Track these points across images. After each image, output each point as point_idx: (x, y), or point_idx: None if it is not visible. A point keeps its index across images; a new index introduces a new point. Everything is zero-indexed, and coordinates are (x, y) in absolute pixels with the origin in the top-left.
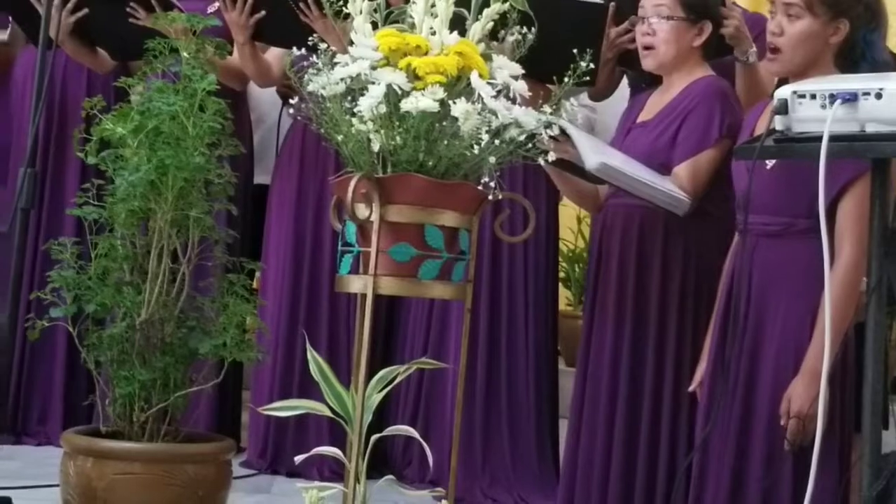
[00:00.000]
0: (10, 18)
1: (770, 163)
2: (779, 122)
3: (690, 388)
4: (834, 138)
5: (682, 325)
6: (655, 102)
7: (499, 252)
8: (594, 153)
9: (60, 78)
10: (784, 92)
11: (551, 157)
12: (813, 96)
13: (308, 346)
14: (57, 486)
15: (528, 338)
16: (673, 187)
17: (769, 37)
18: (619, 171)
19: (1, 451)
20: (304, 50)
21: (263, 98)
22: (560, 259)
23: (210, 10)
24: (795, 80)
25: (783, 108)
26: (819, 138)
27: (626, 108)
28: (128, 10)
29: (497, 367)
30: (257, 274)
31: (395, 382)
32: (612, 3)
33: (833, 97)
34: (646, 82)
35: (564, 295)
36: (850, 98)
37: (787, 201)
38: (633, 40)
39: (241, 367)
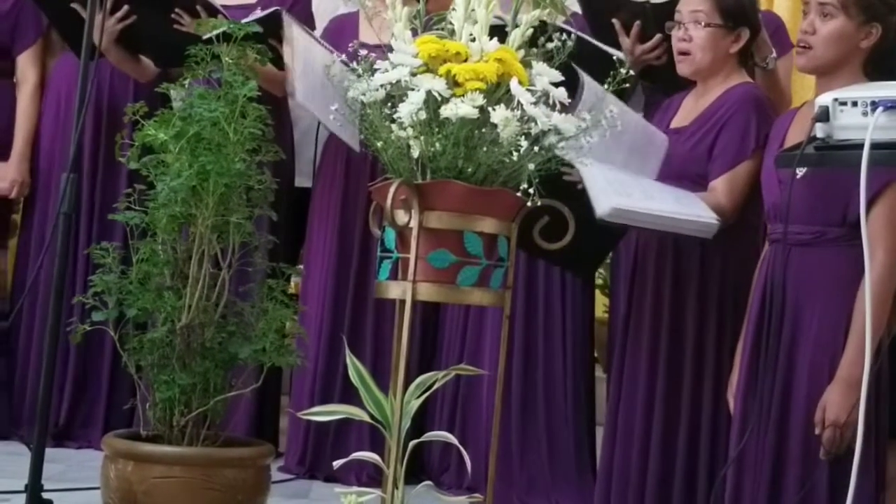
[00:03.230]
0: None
1: (801, 171)
2: (819, 130)
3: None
4: (876, 146)
5: (720, 333)
6: (691, 108)
7: (535, 258)
8: (605, 195)
9: (108, 85)
10: (825, 99)
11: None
12: (854, 104)
13: (348, 351)
14: (97, 489)
15: (564, 344)
16: (701, 210)
17: (801, 35)
18: (635, 211)
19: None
20: (344, 56)
21: None
22: None
23: (251, 17)
24: (822, 79)
25: (824, 116)
26: (860, 146)
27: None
28: (172, 16)
29: (533, 373)
30: (294, 278)
31: (434, 388)
32: (637, 22)
33: (875, 104)
34: (667, 93)
35: (601, 301)
36: (893, 106)
37: (818, 210)
38: (659, 57)
39: (279, 373)
